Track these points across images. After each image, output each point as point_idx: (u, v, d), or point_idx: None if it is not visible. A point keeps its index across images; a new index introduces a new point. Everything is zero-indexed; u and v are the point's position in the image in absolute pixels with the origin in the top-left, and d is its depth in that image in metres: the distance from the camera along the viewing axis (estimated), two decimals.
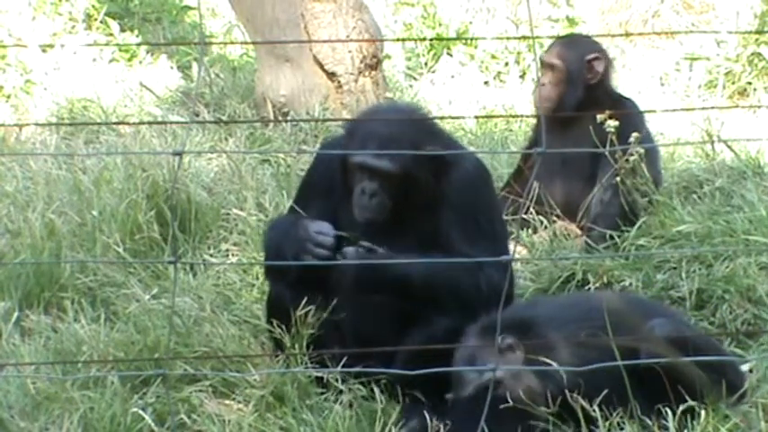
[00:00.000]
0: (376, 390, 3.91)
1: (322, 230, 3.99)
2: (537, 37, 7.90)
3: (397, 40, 8.26)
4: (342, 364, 3.92)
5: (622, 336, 3.64)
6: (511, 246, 4.29)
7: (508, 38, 8.06)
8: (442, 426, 3.69)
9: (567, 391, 3.62)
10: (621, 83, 7.45)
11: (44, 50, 7.87)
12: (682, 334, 3.75)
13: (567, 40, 5.69)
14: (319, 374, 3.97)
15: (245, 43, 7.78)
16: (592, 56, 5.39)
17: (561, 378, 3.63)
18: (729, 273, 4.61)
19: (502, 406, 3.56)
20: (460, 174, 4.11)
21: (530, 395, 3.62)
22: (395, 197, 4.04)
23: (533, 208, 5.22)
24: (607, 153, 4.95)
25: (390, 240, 4.01)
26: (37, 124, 6.77)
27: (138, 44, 8.43)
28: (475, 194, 4.11)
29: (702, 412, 3.62)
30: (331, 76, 6.63)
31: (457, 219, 4.06)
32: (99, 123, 6.64)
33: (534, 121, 5.85)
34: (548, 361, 3.64)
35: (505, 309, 3.75)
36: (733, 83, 7.69)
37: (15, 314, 4.50)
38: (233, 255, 5.03)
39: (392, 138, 4.04)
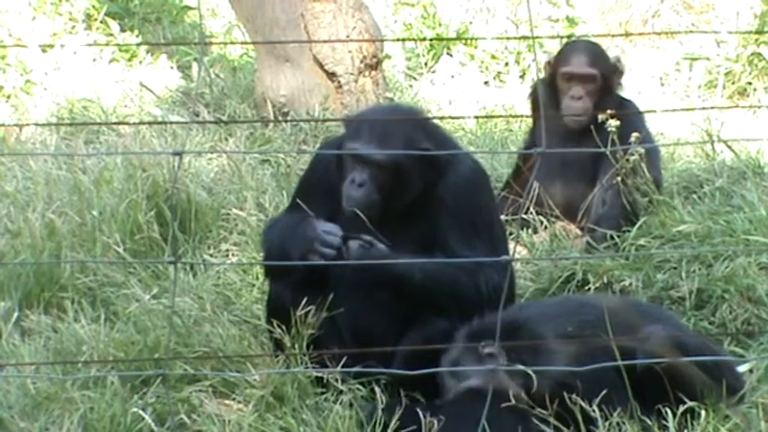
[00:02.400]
0: (376, 389, 3.90)
1: (330, 230, 3.99)
2: (537, 37, 7.89)
3: (397, 40, 8.25)
4: (342, 364, 3.92)
5: (616, 335, 3.64)
6: (511, 246, 4.29)
7: (508, 38, 8.06)
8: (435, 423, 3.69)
9: (559, 393, 3.61)
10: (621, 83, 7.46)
11: (44, 50, 7.87)
12: (678, 340, 3.74)
13: (586, 48, 5.51)
14: (319, 374, 3.97)
15: (245, 43, 7.78)
16: (615, 58, 5.40)
17: (547, 381, 3.62)
18: (729, 273, 4.61)
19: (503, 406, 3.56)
20: (458, 175, 4.10)
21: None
22: (384, 191, 4.03)
23: (533, 208, 5.22)
24: (608, 153, 4.94)
25: (390, 242, 4.01)
26: (37, 124, 6.76)
27: (138, 44, 8.42)
28: (472, 197, 4.11)
29: (702, 412, 3.62)
30: (331, 76, 6.63)
31: (454, 221, 4.06)
32: (99, 123, 6.63)
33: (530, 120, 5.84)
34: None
35: (493, 313, 3.74)
36: (733, 83, 7.69)
37: (15, 314, 4.50)
38: (233, 255, 5.03)
39: (386, 130, 4.05)
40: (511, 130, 6.73)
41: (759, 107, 7.22)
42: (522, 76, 7.83)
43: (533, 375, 3.61)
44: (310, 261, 3.96)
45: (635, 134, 4.90)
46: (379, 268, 3.96)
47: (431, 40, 8.22)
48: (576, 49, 5.46)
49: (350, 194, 4.05)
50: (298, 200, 4.25)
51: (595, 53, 5.41)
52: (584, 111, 5.27)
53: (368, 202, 4.04)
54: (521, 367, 3.61)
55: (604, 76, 5.33)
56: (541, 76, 5.52)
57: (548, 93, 5.44)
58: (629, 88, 7.17)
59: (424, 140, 4.04)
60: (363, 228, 4.00)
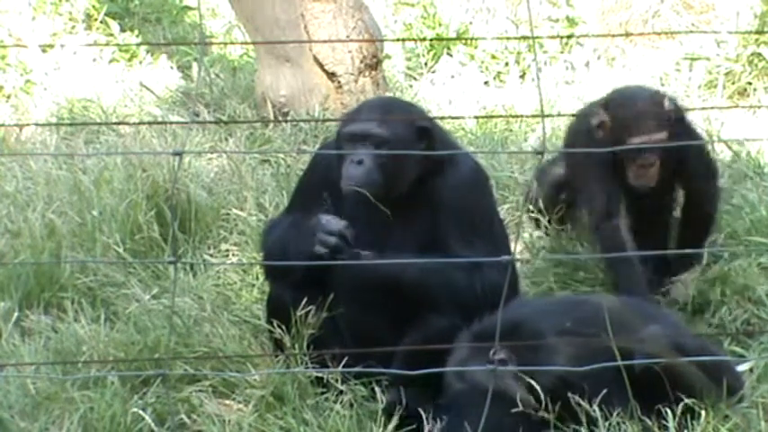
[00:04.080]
0: (377, 389, 3.91)
1: (329, 219, 3.97)
2: (537, 37, 7.89)
3: (397, 40, 8.25)
4: (342, 364, 3.92)
5: (614, 334, 3.62)
6: (512, 246, 4.29)
7: (508, 38, 8.05)
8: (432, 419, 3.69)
9: (559, 390, 3.61)
10: (621, 83, 7.44)
11: (44, 50, 7.87)
12: (677, 340, 3.73)
13: (649, 106, 4.65)
14: (319, 374, 3.98)
15: (245, 43, 7.78)
16: (671, 102, 4.71)
17: (546, 379, 3.61)
18: (729, 273, 4.61)
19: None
20: (457, 175, 4.11)
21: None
22: (385, 170, 4.00)
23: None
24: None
25: (389, 242, 4.01)
26: (37, 124, 6.76)
27: (138, 44, 8.42)
28: (472, 196, 4.11)
29: (702, 412, 3.62)
30: (331, 76, 6.63)
31: (454, 220, 4.06)
32: (99, 123, 6.63)
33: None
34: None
35: (496, 313, 3.73)
36: (733, 83, 7.68)
37: (15, 314, 4.51)
38: (233, 255, 5.03)
39: (383, 105, 4.07)
40: (511, 130, 6.72)
41: (759, 107, 7.21)
42: (522, 76, 7.82)
43: (533, 374, 3.61)
44: (316, 253, 3.93)
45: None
46: (369, 270, 3.96)
47: (431, 40, 8.21)
48: (640, 114, 4.62)
49: (349, 173, 3.98)
50: (296, 202, 4.26)
51: (659, 110, 4.64)
52: (656, 175, 4.64)
53: (368, 179, 3.98)
54: (521, 368, 3.59)
55: (671, 131, 4.63)
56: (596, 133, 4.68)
57: (605, 154, 4.64)
58: None
59: (421, 117, 4.08)
60: (363, 222, 3.99)
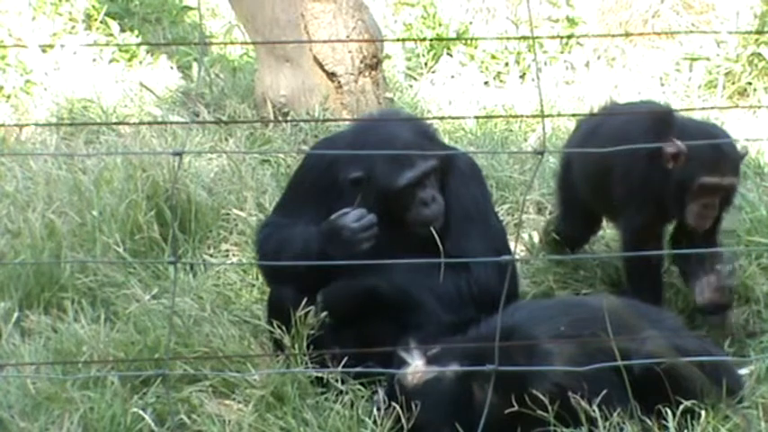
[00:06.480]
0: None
1: (361, 216, 4.02)
2: (537, 37, 7.89)
3: (397, 40, 8.25)
4: (342, 364, 3.92)
5: (612, 336, 3.62)
6: (512, 246, 4.30)
7: (508, 38, 8.05)
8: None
9: (556, 394, 3.61)
10: (621, 83, 7.45)
11: (44, 50, 7.87)
12: (676, 342, 3.72)
13: (730, 151, 4.38)
14: (319, 374, 3.98)
15: (245, 43, 7.77)
16: (743, 149, 4.49)
17: (543, 383, 3.61)
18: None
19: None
20: (455, 171, 4.16)
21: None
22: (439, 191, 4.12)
23: None
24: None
25: (392, 243, 4.02)
26: (37, 124, 6.76)
27: (138, 44, 8.42)
28: (467, 189, 4.15)
29: (702, 412, 3.62)
30: (331, 76, 6.63)
31: (450, 214, 4.09)
32: (99, 123, 6.63)
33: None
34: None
35: (490, 319, 3.73)
36: (733, 83, 7.67)
37: (15, 314, 4.51)
38: (233, 255, 5.04)
39: (412, 141, 4.09)
40: (511, 130, 6.72)
41: (759, 107, 7.21)
42: (522, 77, 7.82)
43: (529, 381, 3.60)
44: (363, 251, 3.98)
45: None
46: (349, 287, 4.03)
47: (431, 40, 8.21)
48: (721, 154, 4.32)
49: (432, 214, 4.09)
50: (290, 202, 4.26)
51: (736, 154, 4.40)
52: (715, 217, 4.40)
53: (442, 210, 4.11)
54: (519, 368, 3.59)
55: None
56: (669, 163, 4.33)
57: (667, 188, 4.35)
58: (629, 88, 7.19)
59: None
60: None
